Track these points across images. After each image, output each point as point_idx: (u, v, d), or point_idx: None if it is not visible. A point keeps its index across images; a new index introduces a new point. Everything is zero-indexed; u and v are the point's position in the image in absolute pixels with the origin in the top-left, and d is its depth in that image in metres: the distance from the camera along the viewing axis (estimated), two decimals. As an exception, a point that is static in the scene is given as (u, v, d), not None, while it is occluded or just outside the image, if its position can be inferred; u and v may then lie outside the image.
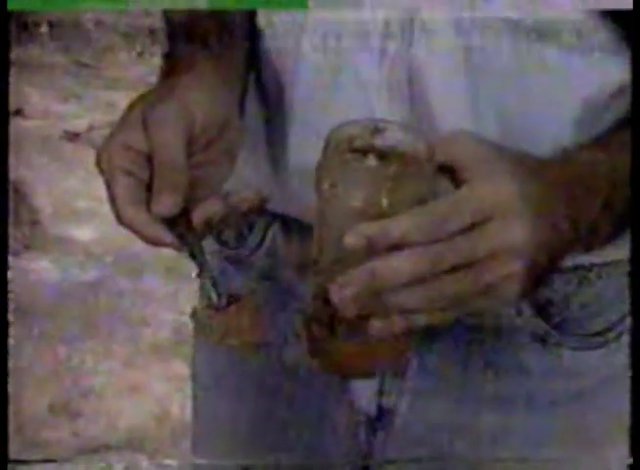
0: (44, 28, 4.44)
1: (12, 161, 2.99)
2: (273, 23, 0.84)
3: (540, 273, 0.69)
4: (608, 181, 0.72)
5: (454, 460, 0.90)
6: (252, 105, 0.88)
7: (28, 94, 3.80)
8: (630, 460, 0.74)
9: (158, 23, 4.53)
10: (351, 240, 0.64)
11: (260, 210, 0.86)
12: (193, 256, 0.76)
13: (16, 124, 3.53)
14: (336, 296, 0.65)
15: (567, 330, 0.87)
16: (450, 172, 0.67)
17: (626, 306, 0.84)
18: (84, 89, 4.00)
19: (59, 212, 3.12)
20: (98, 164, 0.75)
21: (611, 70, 0.76)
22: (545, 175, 0.69)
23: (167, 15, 0.89)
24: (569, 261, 0.82)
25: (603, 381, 0.88)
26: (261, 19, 0.85)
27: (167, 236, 0.74)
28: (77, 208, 3.15)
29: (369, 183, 0.67)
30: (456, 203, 0.65)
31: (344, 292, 0.64)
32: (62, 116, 3.73)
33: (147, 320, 2.68)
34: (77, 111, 3.79)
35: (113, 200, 0.74)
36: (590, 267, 0.85)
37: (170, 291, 2.78)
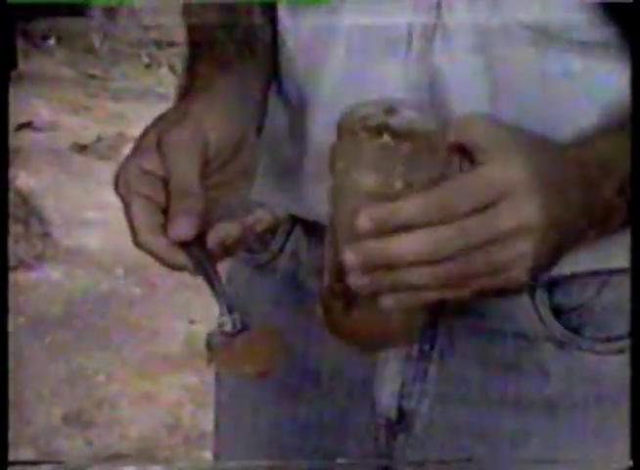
0: (52, 41, 4.44)
1: (21, 173, 2.98)
2: (296, 33, 0.85)
3: (551, 255, 0.69)
4: (624, 166, 0.71)
5: (474, 462, 0.90)
6: (274, 111, 0.88)
7: (37, 106, 3.80)
8: (630, 462, 0.74)
9: (164, 35, 4.55)
10: (360, 222, 0.65)
11: (275, 228, 0.87)
12: (207, 280, 0.76)
13: (25, 137, 3.54)
14: (346, 259, 0.66)
15: (587, 334, 0.86)
16: (466, 154, 0.68)
17: None
18: (92, 101, 3.99)
19: (69, 224, 3.14)
20: (116, 187, 0.76)
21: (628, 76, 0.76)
22: (561, 157, 0.69)
23: (189, 31, 0.90)
24: (587, 267, 0.83)
25: (624, 385, 0.85)
26: (282, 27, 0.86)
27: (183, 260, 0.75)
28: (87, 219, 3.17)
29: (382, 164, 0.67)
30: (465, 186, 0.66)
31: (354, 257, 0.66)
32: (70, 127, 3.73)
33: (158, 330, 2.69)
34: (86, 122, 3.80)
35: (130, 223, 0.75)
36: (611, 273, 0.85)
37: (182, 301, 2.78)
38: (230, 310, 0.76)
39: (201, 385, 2.48)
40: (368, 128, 0.69)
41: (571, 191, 0.68)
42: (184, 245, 0.74)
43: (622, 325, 0.86)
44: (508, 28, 0.76)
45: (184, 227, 0.73)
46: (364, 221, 0.65)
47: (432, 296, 0.68)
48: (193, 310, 2.74)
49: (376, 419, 0.91)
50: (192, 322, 2.72)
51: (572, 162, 0.70)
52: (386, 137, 0.68)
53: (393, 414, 0.91)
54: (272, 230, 0.84)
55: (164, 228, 0.74)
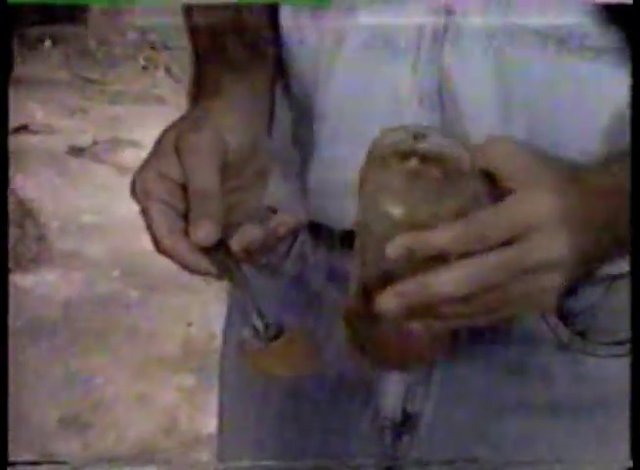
0: (48, 44, 4.45)
1: (18, 176, 2.98)
2: (301, 34, 0.85)
3: (575, 282, 0.70)
4: None
5: (478, 463, 0.90)
6: (281, 115, 0.88)
7: (33, 110, 3.81)
8: (630, 463, 0.74)
9: (160, 37, 4.55)
10: (392, 251, 0.66)
11: (297, 231, 0.87)
12: (235, 283, 0.76)
13: (21, 140, 3.55)
14: (385, 305, 0.67)
15: (592, 338, 0.87)
16: (490, 179, 0.68)
17: None
18: (89, 104, 3.99)
19: (65, 227, 3.13)
20: (133, 192, 0.76)
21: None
22: (585, 184, 0.70)
23: (193, 35, 0.90)
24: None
25: (627, 389, 0.86)
26: (288, 28, 0.86)
27: (207, 264, 0.74)
28: (84, 222, 3.17)
29: (410, 189, 0.68)
30: (498, 215, 0.67)
31: (391, 304, 0.67)
32: (67, 131, 3.74)
33: (156, 333, 2.70)
34: (82, 125, 3.80)
35: (150, 228, 0.75)
36: (616, 277, 0.86)
37: (178, 304, 2.79)
38: (261, 315, 0.76)
39: (198, 387, 2.49)
40: (397, 153, 0.69)
41: (598, 220, 0.69)
42: (207, 249, 0.74)
43: (626, 330, 0.84)
44: (517, 33, 0.76)
45: (208, 231, 0.73)
46: (396, 249, 0.66)
47: (460, 324, 0.71)
48: (190, 313, 2.75)
49: (380, 421, 0.92)
50: (189, 325, 2.72)
51: (595, 190, 0.70)
52: (414, 162, 0.69)
53: (398, 416, 0.91)
54: (294, 232, 0.84)
55: (185, 233, 0.74)
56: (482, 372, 0.88)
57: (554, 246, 0.66)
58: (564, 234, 0.66)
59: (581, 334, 0.86)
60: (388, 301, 0.67)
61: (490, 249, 0.66)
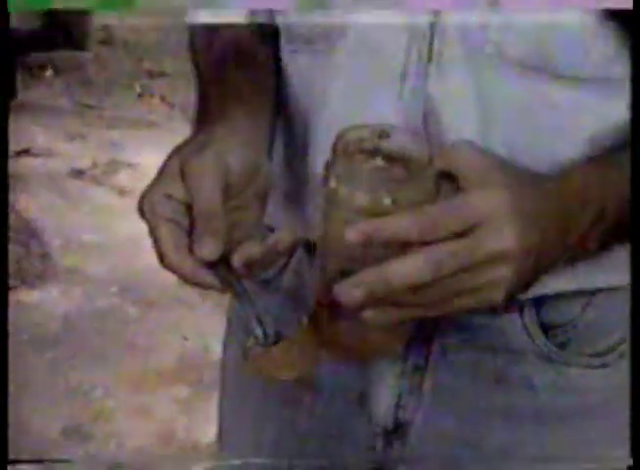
0: (49, 72, 4.47)
1: (21, 197, 3.02)
2: (297, 69, 0.89)
3: (527, 279, 0.73)
4: (600, 195, 0.74)
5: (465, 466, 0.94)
6: (277, 139, 0.91)
7: (35, 134, 3.84)
8: (630, 461, 0.76)
9: (156, 66, 4.59)
10: (350, 236, 0.68)
11: (294, 249, 0.89)
12: (237, 296, 0.79)
13: (23, 163, 3.58)
14: (344, 296, 0.69)
15: (572, 350, 0.89)
16: (453, 180, 0.71)
17: (627, 329, 0.84)
18: (88, 129, 4.01)
19: (67, 246, 3.15)
20: (140, 212, 0.78)
21: (618, 105, 0.78)
22: (540, 188, 0.72)
23: (195, 61, 0.94)
24: (574, 285, 0.87)
25: (607, 398, 0.90)
26: (285, 63, 0.90)
27: (210, 278, 0.77)
28: (84, 240, 3.19)
29: (374, 184, 0.70)
30: (449, 208, 0.69)
31: (354, 293, 0.69)
32: (67, 154, 3.77)
33: (153, 346, 2.72)
34: (82, 149, 3.83)
35: (156, 245, 0.77)
36: (595, 292, 0.88)
37: (175, 318, 2.82)
38: (260, 323, 0.79)
39: (194, 398, 2.53)
40: (363, 150, 0.72)
41: (547, 220, 0.72)
42: (210, 265, 0.76)
43: (605, 341, 0.90)
44: (498, 61, 0.79)
45: (212, 247, 0.75)
46: (354, 234, 0.68)
47: (414, 313, 0.72)
48: (186, 327, 2.78)
49: (373, 428, 0.95)
50: (185, 339, 2.76)
51: (551, 193, 0.73)
52: (379, 160, 0.71)
53: (390, 424, 0.94)
54: (293, 249, 0.86)
55: (190, 250, 0.76)
56: (470, 382, 0.91)
57: (502, 238, 0.68)
58: (511, 228, 0.68)
59: (563, 346, 0.89)
60: (349, 291, 0.69)
61: (442, 240, 0.68)
